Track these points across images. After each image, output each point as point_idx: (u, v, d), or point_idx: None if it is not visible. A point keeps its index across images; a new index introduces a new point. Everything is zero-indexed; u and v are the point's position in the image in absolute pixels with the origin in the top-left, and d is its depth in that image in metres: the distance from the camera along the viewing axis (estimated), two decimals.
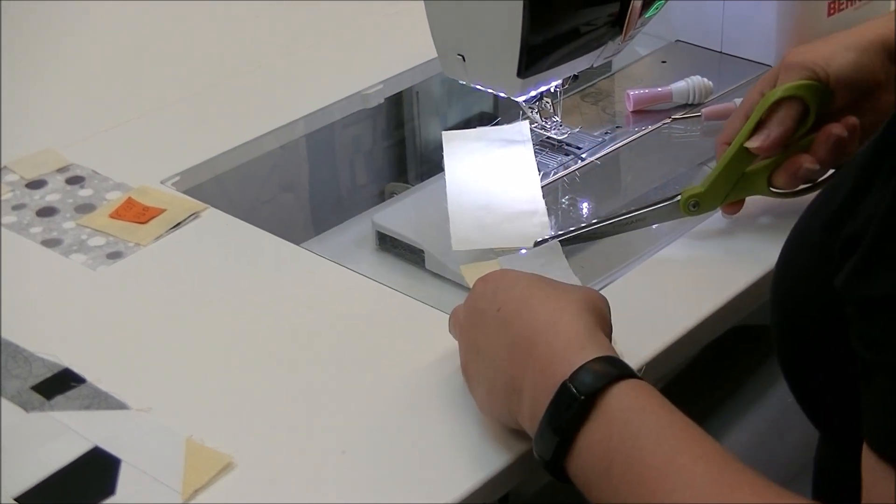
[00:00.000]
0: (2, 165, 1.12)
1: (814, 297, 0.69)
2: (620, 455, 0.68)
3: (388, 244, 1.09)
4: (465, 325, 0.82)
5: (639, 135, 1.18)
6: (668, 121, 1.20)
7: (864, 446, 0.61)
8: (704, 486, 0.65)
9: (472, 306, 0.82)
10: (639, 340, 0.87)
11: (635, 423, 0.69)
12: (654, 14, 1.08)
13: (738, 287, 0.93)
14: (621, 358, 0.73)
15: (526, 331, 0.76)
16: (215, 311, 0.94)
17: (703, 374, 1.02)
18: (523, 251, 1.03)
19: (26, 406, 0.84)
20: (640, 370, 0.84)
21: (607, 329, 0.78)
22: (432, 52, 1.08)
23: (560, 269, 0.96)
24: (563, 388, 0.71)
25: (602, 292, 0.83)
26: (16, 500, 0.77)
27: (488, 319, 0.79)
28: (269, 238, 1.03)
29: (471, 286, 0.85)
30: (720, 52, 1.30)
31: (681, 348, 0.90)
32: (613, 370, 0.71)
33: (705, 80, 1.21)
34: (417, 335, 0.91)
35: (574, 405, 0.70)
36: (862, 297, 0.61)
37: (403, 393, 0.85)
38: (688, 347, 0.91)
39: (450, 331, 0.84)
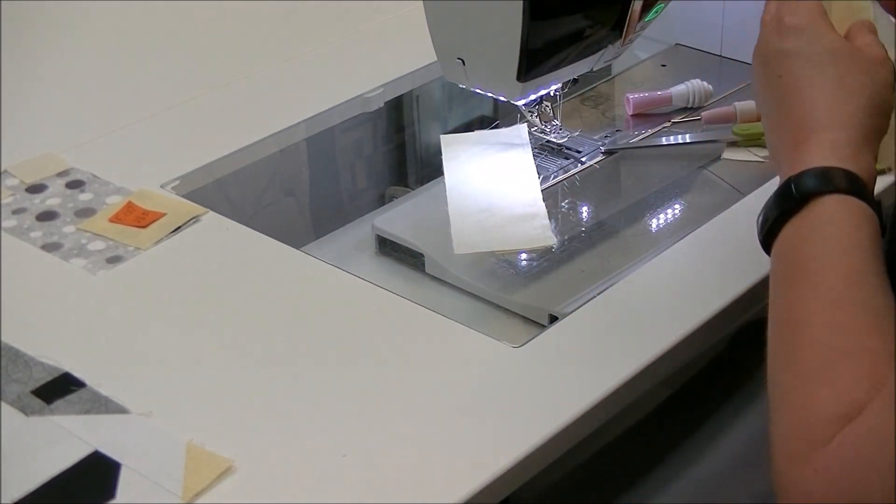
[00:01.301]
0: (2, 169, 1.12)
1: None
2: (791, 253, 0.78)
3: (389, 248, 1.09)
4: (758, 52, 0.86)
5: (638, 138, 1.18)
6: (668, 124, 1.20)
7: None
8: (816, 321, 0.73)
9: (766, 47, 0.85)
10: (648, 337, 0.88)
11: (817, 238, 0.77)
12: (654, 18, 1.08)
13: (747, 284, 0.94)
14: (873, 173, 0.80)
15: (801, 122, 0.82)
16: (215, 315, 0.94)
17: (721, 368, 1.03)
18: (523, 256, 1.03)
19: (26, 410, 0.84)
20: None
21: (881, 132, 0.82)
22: (432, 56, 1.08)
23: None
24: (787, 183, 0.79)
25: (612, 288, 0.81)
26: None
27: (770, 77, 0.84)
28: (269, 242, 1.03)
29: None
30: (720, 56, 1.30)
31: (692, 344, 0.91)
32: (831, 185, 0.78)
33: (705, 83, 1.21)
34: (417, 339, 0.91)
35: (788, 201, 0.79)
36: None
37: (403, 396, 0.85)
38: (700, 343, 0.92)
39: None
